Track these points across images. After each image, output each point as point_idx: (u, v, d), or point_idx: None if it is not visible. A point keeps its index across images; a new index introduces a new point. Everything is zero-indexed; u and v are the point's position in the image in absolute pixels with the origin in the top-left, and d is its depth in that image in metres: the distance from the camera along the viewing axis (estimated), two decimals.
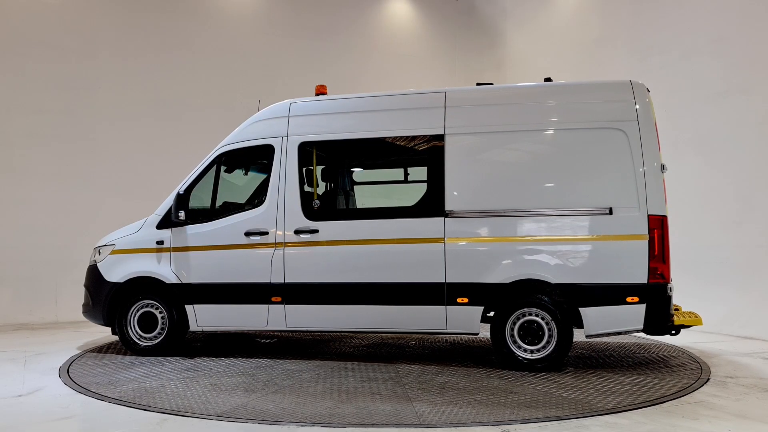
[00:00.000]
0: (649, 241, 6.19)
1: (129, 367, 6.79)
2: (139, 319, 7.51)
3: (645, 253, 6.19)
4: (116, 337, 8.44)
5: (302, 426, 4.60)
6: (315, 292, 6.99)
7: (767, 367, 6.71)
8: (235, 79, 12.55)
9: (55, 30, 11.28)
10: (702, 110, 9.52)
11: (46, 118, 11.08)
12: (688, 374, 6.25)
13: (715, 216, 9.22)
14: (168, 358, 7.24)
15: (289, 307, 7.06)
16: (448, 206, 6.67)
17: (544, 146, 6.69)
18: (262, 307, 7.12)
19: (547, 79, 7.00)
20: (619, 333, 6.44)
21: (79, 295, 10.95)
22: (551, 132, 6.64)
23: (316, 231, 7.00)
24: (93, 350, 7.86)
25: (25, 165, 10.93)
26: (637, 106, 6.44)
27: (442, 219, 6.65)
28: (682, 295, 7.45)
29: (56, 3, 11.37)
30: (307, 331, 7.55)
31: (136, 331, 7.51)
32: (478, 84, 7.15)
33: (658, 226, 6.23)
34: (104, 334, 9.18)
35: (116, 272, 7.60)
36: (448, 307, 6.63)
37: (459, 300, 6.60)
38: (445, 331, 6.71)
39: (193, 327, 7.38)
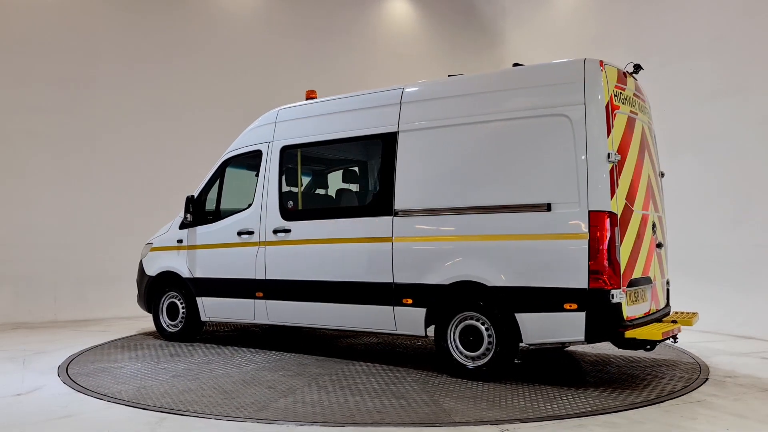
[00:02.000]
0: (589, 241, 5.39)
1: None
2: (167, 308, 8.50)
3: (584, 255, 5.40)
4: (115, 337, 8.86)
5: (301, 425, 4.61)
6: (288, 288, 7.31)
7: (766, 366, 6.71)
8: (235, 79, 12.54)
9: (56, 30, 11.27)
10: (701, 110, 9.53)
11: (46, 118, 11.08)
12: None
13: (714, 216, 9.23)
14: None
15: (269, 302, 7.48)
16: (397, 205, 6.49)
17: (487, 138, 6.12)
18: (250, 302, 7.64)
19: (516, 65, 6.45)
20: (561, 344, 5.83)
21: (78, 294, 11.04)
22: (495, 123, 6.07)
23: (289, 230, 7.30)
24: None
25: (25, 165, 10.92)
26: (586, 88, 5.62)
27: (390, 218, 6.53)
28: (681, 296, 7.41)
29: (56, 3, 11.36)
30: (287, 326, 7.80)
31: (165, 319, 8.53)
32: (449, 76, 6.75)
33: (599, 224, 5.39)
34: (104, 333, 9.20)
35: (152, 267, 8.71)
36: (395, 307, 6.47)
37: (404, 301, 6.40)
38: (395, 332, 6.58)
39: (203, 317, 8.16)
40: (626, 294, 5.48)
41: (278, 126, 7.74)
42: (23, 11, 11.08)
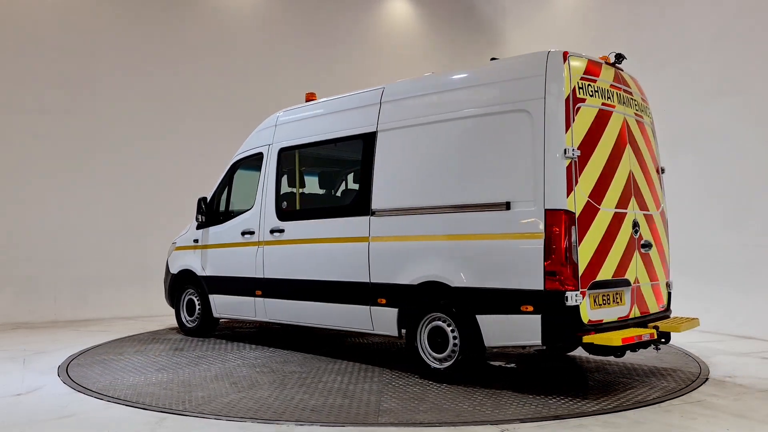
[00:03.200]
0: (545, 241, 5.19)
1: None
2: (186, 304, 8.97)
3: (540, 255, 5.21)
4: (115, 337, 8.89)
5: (301, 425, 4.61)
6: (281, 287, 7.49)
7: (766, 366, 6.71)
8: (237, 80, 12.55)
9: (57, 30, 11.28)
10: (700, 109, 9.53)
11: (47, 119, 11.08)
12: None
13: (714, 215, 9.22)
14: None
15: (266, 300, 7.69)
16: (374, 204, 6.49)
17: (453, 136, 6.00)
18: (251, 300, 7.88)
19: (494, 59, 6.32)
20: (521, 347, 5.68)
21: (78, 294, 11.05)
22: (462, 120, 5.95)
23: (283, 230, 7.47)
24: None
25: (25, 165, 10.93)
26: (546, 81, 5.39)
27: (368, 218, 6.54)
28: (681, 296, 7.37)
29: (57, 3, 11.36)
30: (283, 324, 8.08)
31: (184, 315, 9.01)
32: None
33: (555, 223, 5.17)
34: (104, 333, 9.20)
35: (174, 265, 9.14)
36: (372, 307, 6.47)
37: (380, 301, 6.38)
38: (373, 331, 6.59)
39: (214, 314, 8.53)
40: (588, 296, 5.23)
41: (277, 129, 7.93)
42: (23, 11, 11.08)
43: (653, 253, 6.04)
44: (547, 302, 5.17)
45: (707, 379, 6.06)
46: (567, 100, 5.33)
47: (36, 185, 10.97)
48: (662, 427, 4.54)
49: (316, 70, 12.98)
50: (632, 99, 6.11)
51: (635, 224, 5.79)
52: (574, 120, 5.32)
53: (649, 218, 6.06)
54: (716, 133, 9.31)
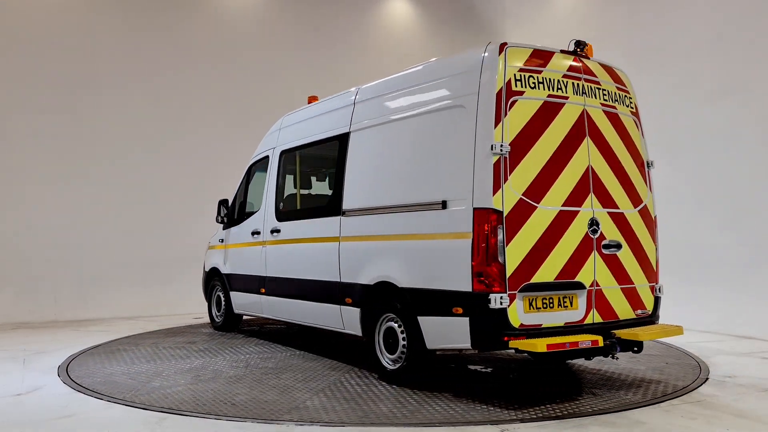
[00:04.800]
0: (473, 240, 5.02)
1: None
2: (216, 301, 9.45)
3: (468, 255, 5.03)
4: (115, 337, 8.88)
5: (301, 425, 4.61)
6: (278, 285, 7.71)
7: (766, 366, 6.71)
8: (237, 81, 12.56)
9: (57, 30, 11.28)
10: (699, 109, 9.53)
11: (46, 118, 11.09)
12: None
13: (714, 215, 9.23)
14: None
15: (269, 298, 7.95)
16: (344, 204, 6.51)
17: (404, 135, 5.96)
18: (258, 297, 8.18)
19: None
20: (458, 350, 5.44)
21: (78, 294, 11.05)
22: (412, 119, 5.89)
23: (279, 231, 7.68)
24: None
25: (25, 165, 10.93)
26: (481, 74, 5.20)
27: (339, 218, 6.58)
28: (682, 295, 7.33)
29: (57, 3, 11.37)
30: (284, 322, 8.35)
31: (214, 311, 9.55)
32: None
33: (481, 222, 4.97)
34: (104, 333, 9.20)
35: (207, 263, 9.67)
36: (341, 307, 6.51)
37: (347, 300, 6.39)
38: (344, 330, 6.60)
39: (235, 310, 8.95)
40: (521, 299, 4.99)
41: (281, 132, 8.18)
42: (24, 11, 11.09)
43: (624, 254, 5.58)
44: (474, 304, 4.97)
45: (707, 379, 6.05)
46: (499, 93, 5.09)
47: (36, 185, 10.98)
48: (662, 427, 4.54)
49: (316, 70, 12.98)
50: (599, 89, 5.70)
51: (593, 223, 5.38)
52: (506, 114, 5.08)
53: (617, 217, 5.60)
54: (716, 133, 9.31)
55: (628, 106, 5.93)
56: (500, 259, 4.94)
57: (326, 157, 7.20)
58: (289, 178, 8.03)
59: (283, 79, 12.73)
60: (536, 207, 5.13)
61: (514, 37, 13.93)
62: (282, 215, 7.74)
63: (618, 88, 5.87)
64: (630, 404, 5.12)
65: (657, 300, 5.87)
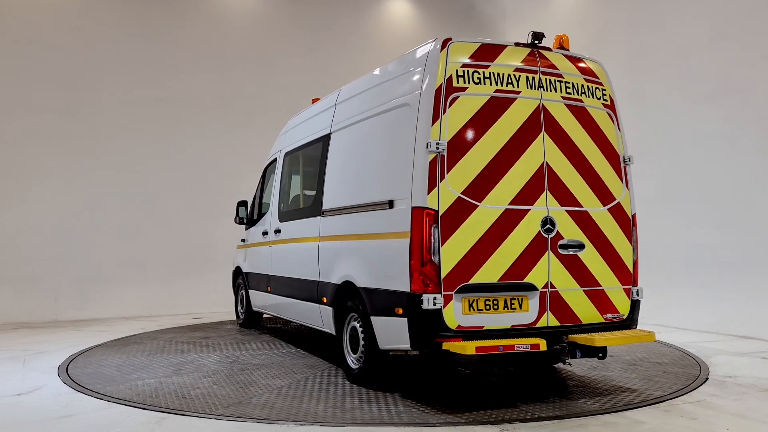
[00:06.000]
0: (410, 240, 4.92)
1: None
2: (240, 298, 9.77)
3: (407, 255, 4.93)
4: (116, 337, 8.90)
5: (301, 425, 4.61)
6: (280, 284, 7.87)
7: (766, 366, 6.71)
8: (235, 79, 12.55)
9: (56, 30, 11.28)
10: (700, 109, 9.53)
11: (46, 118, 11.09)
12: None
13: (715, 215, 9.22)
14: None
15: (273, 296, 8.16)
16: (324, 205, 6.56)
17: (363, 134, 5.99)
18: (266, 295, 8.43)
19: None
20: (404, 351, 5.23)
21: (78, 294, 11.05)
22: (370, 119, 5.88)
23: (280, 231, 7.85)
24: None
25: (25, 165, 10.93)
26: (424, 72, 5.12)
27: (319, 218, 6.65)
28: (681, 295, 7.30)
29: (57, 4, 11.36)
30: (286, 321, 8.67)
31: (239, 308, 9.91)
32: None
33: (416, 221, 4.88)
34: (104, 333, 9.20)
35: (234, 262, 9.97)
36: (320, 306, 6.56)
37: (323, 299, 6.43)
38: (323, 329, 6.64)
39: (253, 307, 9.20)
40: (459, 300, 4.86)
41: (287, 134, 8.39)
42: (23, 11, 11.08)
43: (588, 254, 5.31)
44: (411, 305, 4.87)
45: (707, 379, 6.05)
46: (438, 90, 4.98)
47: (36, 185, 10.98)
48: (662, 427, 4.54)
49: (316, 70, 12.96)
50: (561, 81, 5.44)
51: (547, 222, 5.15)
52: (445, 111, 4.96)
53: (580, 215, 5.32)
54: (715, 132, 9.31)
55: (599, 99, 5.62)
56: (434, 259, 4.83)
57: (315, 158, 7.27)
58: (290, 180, 8.18)
59: (283, 80, 12.72)
60: (477, 206, 4.98)
61: (514, 36, 13.93)
62: (283, 215, 7.90)
63: (587, 80, 5.58)
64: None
65: (635, 304, 5.54)
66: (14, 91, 10.93)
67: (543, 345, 4.80)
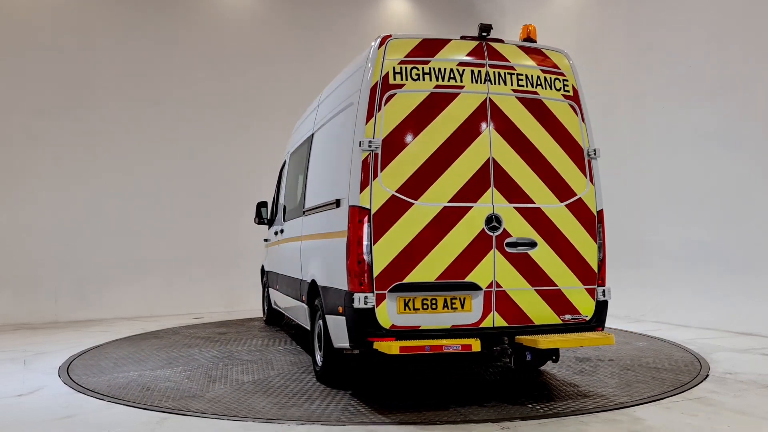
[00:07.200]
0: (347, 239, 4.88)
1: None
2: (266, 296, 10.00)
3: (344, 254, 4.91)
4: (116, 337, 8.92)
5: (301, 425, 4.61)
6: (281, 282, 8.11)
7: (766, 363, 6.70)
8: (234, 79, 12.55)
9: (55, 30, 11.28)
10: (700, 106, 9.53)
11: (46, 118, 11.10)
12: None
13: (715, 213, 9.22)
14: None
15: (279, 294, 8.36)
16: (305, 204, 6.62)
17: (326, 136, 6.10)
18: (275, 293, 8.74)
19: None
20: (350, 350, 5.13)
21: (78, 294, 11.06)
22: (332, 119, 5.94)
23: (283, 231, 8.00)
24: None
25: (25, 165, 10.93)
26: (364, 71, 5.06)
27: (301, 218, 6.73)
28: (682, 292, 7.29)
29: (57, 3, 11.36)
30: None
31: (265, 306, 10.10)
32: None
33: (350, 220, 4.87)
34: (104, 333, 9.20)
35: (263, 261, 10.11)
36: (301, 303, 6.64)
37: (303, 297, 6.49)
38: (307, 327, 6.64)
39: (272, 305, 9.38)
40: (393, 299, 4.79)
41: (292, 136, 8.54)
42: (23, 11, 11.08)
43: (542, 253, 5.10)
44: (347, 304, 4.84)
45: (708, 375, 6.05)
46: (373, 88, 4.93)
47: (36, 186, 10.98)
48: (663, 424, 4.54)
49: (316, 70, 12.93)
50: (512, 74, 5.23)
51: (492, 219, 4.99)
52: (380, 109, 4.90)
53: (531, 212, 5.12)
54: (715, 130, 9.31)
55: (559, 90, 5.36)
56: (366, 258, 4.78)
57: (305, 158, 7.35)
58: (291, 180, 8.23)
59: (283, 81, 12.71)
60: (413, 204, 4.89)
61: (514, 35, 13.91)
62: (286, 215, 8.05)
63: (544, 71, 5.34)
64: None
65: (601, 304, 5.27)
66: (14, 92, 10.93)
67: (476, 345, 4.64)
